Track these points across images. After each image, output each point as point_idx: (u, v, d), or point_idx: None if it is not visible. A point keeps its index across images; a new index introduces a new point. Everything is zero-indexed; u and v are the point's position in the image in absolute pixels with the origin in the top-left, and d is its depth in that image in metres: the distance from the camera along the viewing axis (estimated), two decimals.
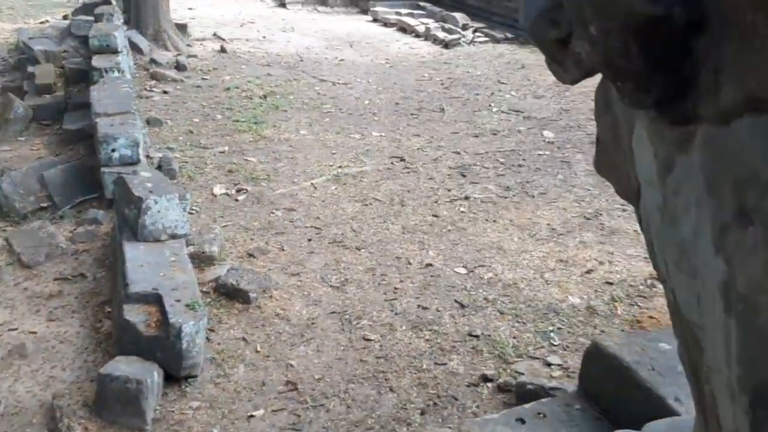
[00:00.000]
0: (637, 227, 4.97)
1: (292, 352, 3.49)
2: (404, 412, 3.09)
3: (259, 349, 3.50)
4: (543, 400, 1.95)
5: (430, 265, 4.33)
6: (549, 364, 3.37)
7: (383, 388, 3.25)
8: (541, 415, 1.80)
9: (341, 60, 9.71)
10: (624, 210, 5.04)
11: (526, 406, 1.85)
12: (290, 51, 10.04)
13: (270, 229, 4.76)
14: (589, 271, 4.26)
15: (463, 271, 4.27)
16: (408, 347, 3.54)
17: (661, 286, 4.14)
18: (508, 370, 3.33)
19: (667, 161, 0.89)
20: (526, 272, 4.24)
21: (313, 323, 3.72)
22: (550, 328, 3.69)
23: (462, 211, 5.06)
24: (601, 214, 4.99)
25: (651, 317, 3.81)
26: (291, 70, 8.98)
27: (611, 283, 4.12)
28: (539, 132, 6.71)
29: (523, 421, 1.78)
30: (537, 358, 3.44)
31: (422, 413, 3.09)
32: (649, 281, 4.11)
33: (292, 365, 3.40)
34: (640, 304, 3.93)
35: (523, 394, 3.05)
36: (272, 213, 5.00)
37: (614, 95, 1.01)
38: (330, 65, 9.40)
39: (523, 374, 3.23)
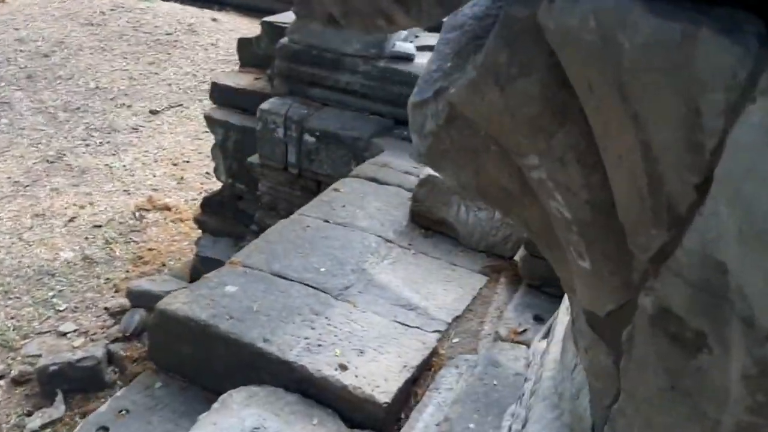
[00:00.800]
0: (109, 161, 4.77)
1: None
2: None
3: None
4: (118, 393, 1.74)
5: None
6: (64, 334, 3.08)
7: None
8: (124, 412, 1.62)
9: None
10: (87, 145, 4.78)
11: (102, 409, 1.63)
12: None
13: None
14: (72, 219, 3.96)
15: None
16: None
17: (150, 216, 4.15)
18: (19, 358, 2.92)
19: None
20: (1, 238, 3.69)
21: None
22: (51, 293, 3.35)
23: None
24: (64, 155, 4.62)
25: (150, 249, 3.80)
26: None
27: (100, 226, 3.93)
28: None
29: (106, 429, 1.57)
30: (48, 332, 3.10)
31: None
32: (137, 213, 4.06)
33: None
34: (135, 239, 3.87)
35: (47, 378, 2.74)
36: None
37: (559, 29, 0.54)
38: None
39: (39, 356, 2.87)
